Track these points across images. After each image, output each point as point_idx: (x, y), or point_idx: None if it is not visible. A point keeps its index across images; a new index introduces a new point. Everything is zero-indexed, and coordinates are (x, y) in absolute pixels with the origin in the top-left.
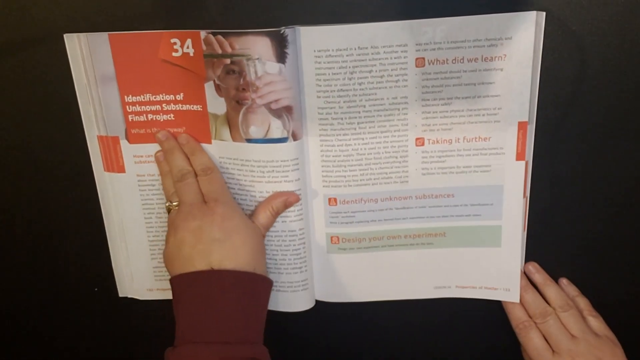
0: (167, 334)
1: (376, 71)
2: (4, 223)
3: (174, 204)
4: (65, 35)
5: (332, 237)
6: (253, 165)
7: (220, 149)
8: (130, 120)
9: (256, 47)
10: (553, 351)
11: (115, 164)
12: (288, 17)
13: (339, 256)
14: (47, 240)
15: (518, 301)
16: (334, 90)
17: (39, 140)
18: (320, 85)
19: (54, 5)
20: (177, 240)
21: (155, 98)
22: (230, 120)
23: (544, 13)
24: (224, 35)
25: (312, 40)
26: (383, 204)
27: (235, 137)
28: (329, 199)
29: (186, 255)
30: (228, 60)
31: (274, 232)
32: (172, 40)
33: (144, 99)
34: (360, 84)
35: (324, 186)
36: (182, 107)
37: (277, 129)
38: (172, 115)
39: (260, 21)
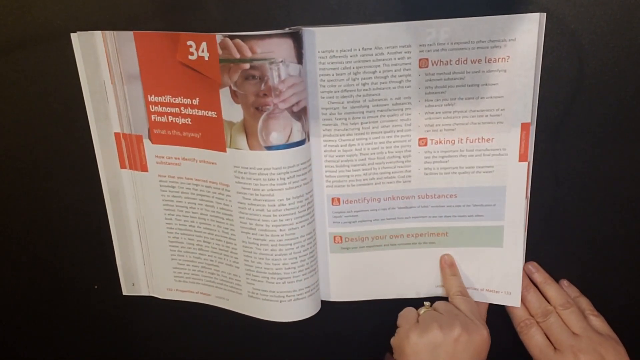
0: (168, 333)
1: (380, 72)
2: (5, 221)
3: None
4: (81, 33)
5: (335, 237)
6: (273, 173)
7: (236, 158)
8: (153, 120)
9: (279, 49)
10: (555, 349)
11: (138, 162)
12: (289, 17)
13: (341, 255)
14: (48, 237)
15: (519, 305)
16: (338, 91)
17: (40, 137)
18: (324, 86)
19: (54, 5)
20: (430, 340)
21: (174, 100)
22: (247, 128)
23: (545, 14)
24: (242, 38)
25: (316, 41)
26: (386, 204)
27: (252, 145)
28: (332, 199)
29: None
30: (247, 65)
31: (290, 239)
32: (188, 43)
33: (165, 100)
34: (364, 84)
35: (327, 186)
36: (197, 112)
37: (297, 131)
38: (189, 119)
39: (261, 21)
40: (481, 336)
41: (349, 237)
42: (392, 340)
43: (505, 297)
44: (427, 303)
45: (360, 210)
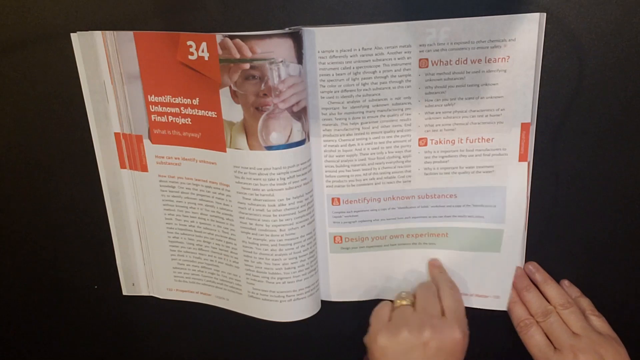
0: (168, 333)
1: (380, 72)
2: (5, 221)
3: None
4: (81, 33)
5: (335, 237)
6: (273, 173)
7: (236, 159)
8: (153, 120)
9: (279, 49)
10: (555, 348)
11: (138, 162)
12: (289, 17)
13: (341, 255)
14: (48, 237)
15: (505, 309)
16: (338, 91)
17: (40, 137)
18: (324, 86)
19: (54, 5)
20: (399, 343)
21: (174, 100)
22: (247, 128)
23: (545, 14)
24: (242, 38)
25: (316, 41)
26: (386, 204)
27: (252, 145)
28: (332, 199)
29: None
30: (247, 65)
31: (290, 239)
32: (188, 43)
33: (165, 100)
34: (364, 84)
35: (327, 186)
36: (197, 112)
37: (297, 131)
38: (189, 119)
39: (261, 21)
40: (453, 339)
41: (349, 237)
42: (365, 339)
43: (493, 300)
44: (404, 293)
45: (360, 211)
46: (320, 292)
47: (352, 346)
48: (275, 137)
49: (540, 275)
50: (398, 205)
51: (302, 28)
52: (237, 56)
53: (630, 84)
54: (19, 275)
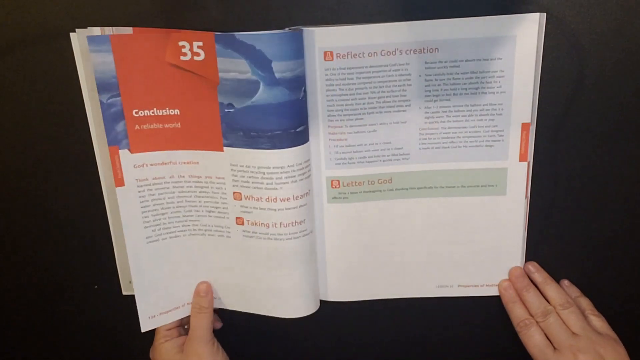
0: None
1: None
2: (5, 221)
3: None
4: (80, 31)
5: (332, 181)
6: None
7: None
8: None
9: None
10: (554, 348)
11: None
12: (289, 17)
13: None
14: (48, 237)
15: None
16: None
17: (40, 137)
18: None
19: (54, 5)
20: None
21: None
22: None
23: (545, 14)
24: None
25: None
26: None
27: None
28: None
29: None
30: None
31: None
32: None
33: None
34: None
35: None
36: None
37: None
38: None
39: (261, 21)
40: None
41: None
42: None
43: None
44: None
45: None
46: (319, 290)
47: (353, 346)
48: None
49: (540, 275)
50: None
51: (302, 28)
52: None
53: (630, 84)
54: (19, 275)
